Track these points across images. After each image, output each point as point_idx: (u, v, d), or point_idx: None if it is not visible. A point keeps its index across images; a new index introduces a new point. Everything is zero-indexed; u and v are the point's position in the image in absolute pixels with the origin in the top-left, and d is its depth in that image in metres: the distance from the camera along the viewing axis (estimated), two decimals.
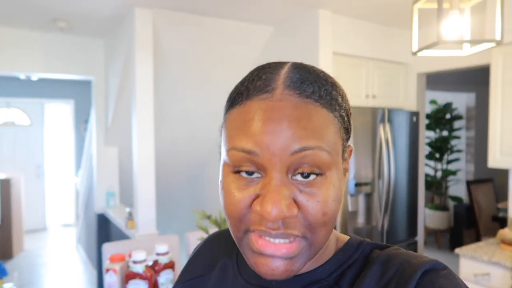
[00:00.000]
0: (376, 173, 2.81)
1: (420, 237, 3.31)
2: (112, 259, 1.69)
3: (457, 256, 2.36)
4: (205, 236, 1.96)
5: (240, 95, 0.44)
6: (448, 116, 5.34)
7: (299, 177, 0.41)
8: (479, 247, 2.36)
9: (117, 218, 3.28)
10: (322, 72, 0.46)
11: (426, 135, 5.07)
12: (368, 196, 2.84)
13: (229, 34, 3.02)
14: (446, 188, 5.34)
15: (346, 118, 0.45)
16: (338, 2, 2.58)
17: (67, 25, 3.03)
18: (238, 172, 0.42)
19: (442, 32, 1.54)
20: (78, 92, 6.23)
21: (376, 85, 3.13)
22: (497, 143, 2.46)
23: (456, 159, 5.32)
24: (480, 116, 5.28)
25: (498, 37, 1.54)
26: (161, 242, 2.04)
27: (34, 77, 4.88)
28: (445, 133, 5.34)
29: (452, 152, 5.31)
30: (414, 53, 1.70)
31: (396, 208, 2.95)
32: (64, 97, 6.25)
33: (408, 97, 3.37)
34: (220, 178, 0.46)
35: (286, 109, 0.40)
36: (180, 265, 2.07)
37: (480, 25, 2.50)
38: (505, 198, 4.21)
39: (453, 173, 5.25)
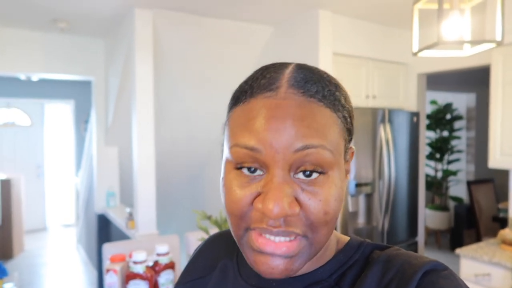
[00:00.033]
0: (376, 173, 2.81)
1: (421, 237, 3.31)
2: (113, 260, 1.69)
3: (458, 256, 2.35)
4: (205, 236, 1.96)
5: (244, 93, 0.44)
6: (448, 116, 5.34)
7: (301, 176, 0.41)
8: (479, 247, 2.36)
9: (117, 218, 3.28)
10: (326, 73, 0.46)
11: (427, 136, 5.06)
12: (369, 197, 2.84)
13: (229, 34, 3.02)
14: (447, 188, 5.34)
15: (349, 120, 0.45)
16: (338, 2, 2.58)
17: (67, 25, 3.03)
18: (240, 168, 0.43)
19: (443, 32, 1.54)
20: (78, 93, 6.24)
21: (376, 85, 3.13)
22: (498, 144, 2.46)
23: (457, 160, 5.32)
24: (480, 116, 5.28)
25: (498, 38, 1.54)
26: (162, 242, 2.04)
27: (35, 77, 4.88)
28: (445, 133, 5.34)
29: (452, 152, 5.31)
30: (415, 54, 1.70)
31: (396, 208, 2.95)
32: (64, 98, 6.26)
33: (408, 97, 3.37)
34: (222, 175, 0.45)
35: (290, 108, 0.41)
36: (181, 265, 2.07)
37: (480, 26, 2.50)
38: (505, 198, 4.20)
39: (454, 173, 5.25)
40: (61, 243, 5.84)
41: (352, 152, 0.49)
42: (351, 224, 2.77)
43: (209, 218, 1.88)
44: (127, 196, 3.89)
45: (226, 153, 0.45)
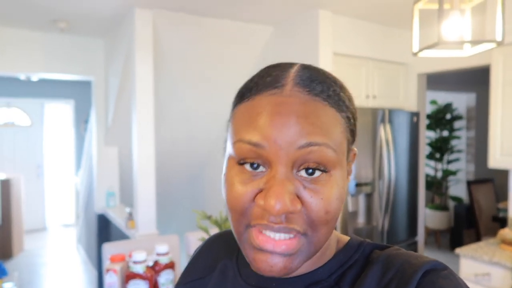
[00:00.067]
0: (376, 173, 2.81)
1: (421, 237, 3.31)
2: (113, 259, 1.69)
3: (458, 256, 2.35)
4: (205, 236, 1.96)
5: (249, 90, 0.45)
6: (448, 116, 5.34)
7: (303, 173, 0.41)
8: (479, 247, 2.36)
9: (117, 218, 3.28)
10: (331, 74, 0.46)
11: (427, 135, 5.06)
12: (369, 196, 2.84)
13: (229, 34, 3.02)
14: (447, 188, 5.35)
15: (352, 121, 0.46)
16: (338, 2, 2.58)
17: (67, 25, 3.03)
18: (242, 164, 0.43)
19: (443, 32, 1.54)
20: (78, 92, 6.24)
21: (377, 85, 3.13)
22: (498, 144, 2.46)
23: (456, 159, 5.32)
24: (480, 116, 5.28)
25: (498, 38, 1.54)
26: (161, 242, 2.04)
27: (34, 77, 4.88)
28: (445, 133, 5.34)
29: (452, 152, 5.31)
30: (415, 54, 1.70)
31: (396, 208, 2.95)
32: (64, 97, 6.26)
33: (408, 97, 3.37)
34: (224, 171, 0.45)
35: (295, 105, 0.41)
36: (180, 265, 2.07)
37: (480, 26, 2.50)
38: (505, 198, 4.20)
39: (453, 173, 5.25)
40: (61, 243, 5.84)
41: (354, 154, 0.49)
42: (351, 224, 2.77)
43: (209, 218, 1.88)
44: (127, 196, 3.89)
45: (229, 149, 0.45)
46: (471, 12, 1.66)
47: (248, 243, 0.43)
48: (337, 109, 0.43)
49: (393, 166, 2.87)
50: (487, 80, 2.73)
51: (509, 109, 2.40)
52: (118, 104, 3.32)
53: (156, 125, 3.03)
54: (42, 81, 5.83)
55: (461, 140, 5.40)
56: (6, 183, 5.00)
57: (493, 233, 3.97)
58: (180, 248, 2.25)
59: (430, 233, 5.34)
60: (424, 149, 3.41)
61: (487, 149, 2.58)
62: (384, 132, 2.83)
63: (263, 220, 0.41)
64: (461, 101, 5.41)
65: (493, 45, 1.59)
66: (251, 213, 0.42)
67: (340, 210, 0.44)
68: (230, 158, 0.44)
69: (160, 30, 2.80)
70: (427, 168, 5.11)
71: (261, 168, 0.42)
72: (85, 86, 5.70)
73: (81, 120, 6.38)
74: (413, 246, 3.13)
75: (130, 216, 2.95)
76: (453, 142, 5.40)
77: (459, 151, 5.34)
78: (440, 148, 5.29)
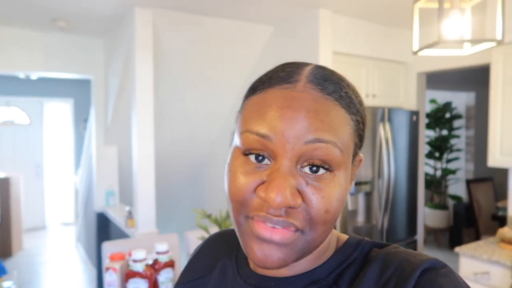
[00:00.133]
0: (376, 172, 2.82)
1: (420, 236, 3.31)
2: (112, 258, 1.69)
3: (457, 255, 2.36)
4: (205, 235, 1.96)
5: (262, 84, 0.45)
6: (448, 115, 5.34)
7: (307, 170, 0.41)
8: (478, 246, 2.36)
9: (117, 217, 3.28)
10: (345, 77, 0.47)
11: (426, 134, 5.07)
12: (368, 195, 2.85)
13: (229, 34, 3.02)
14: (446, 187, 5.35)
15: (361, 125, 0.46)
16: (338, 2, 2.58)
17: (67, 24, 3.03)
18: (247, 155, 0.43)
19: (443, 31, 1.54)
20: (78, 91, 6.23)
21: (376, 84, 3.13)
22: (497, 143, 2.46)
23: (456, 158, 5.32)
24: (479, 115, 5.28)
25: (498, 37, 1.55)
26: (161, 241, 2.04)
27: (34, 76, 4.88)
28: (444, 132, 5.35)
29: (451, 151, 5.32)
30: (415, 53, 1.70)
31: (395, 207, 2.95)
32: (63, 96, 6.25)
33: (408, 96, 3.37)
34: (228, 161, 0.45)
35: (306, 100, 0.41)
36: (180, 264, 2.07)
37: (480, 25, 2.50)
38: (504, 197, 4.21)
39: (453, 172, 5.26)
40: (60, 241, 5.84)
41: (360, 160, 0.49)
42: (350, 222, 2.77)
43: (209, 216, 1.88)
44: (126, 195, 3.89)
45: (235, 140, 0.45)
46: (471, 11, 1.66)
47: (246, 233, 0.43)
48: (347, 111, 0.43)
49: (392, 165, 2.87)
50: (487, 79, 2.73)
51: (508, 108, 2.40)
52: (118, 104, 3.32)
53: (156, 125, 3.03)
54: (42, 80, 5.82)
55: (461, 139, 5.41)
56: (5, 182, 5.00)
57: (492, 231, 3.98)
58: (180, 246, 2.25)
59: (429, 232, 5.34)
60: (423, 148, 3.42)
61: (487, 148, 2.58)
62: (383, 131, 2.83)
63: (262, 211, 0.41)
64: (461, 100, 5.41)
65: (493, 44, 1.59)
66: (251, 204, 0.42)
67: (340, 212, 0.43)
68: (235, 148, 0.45)
69: (160, 30, 2.80)
70: (426, 167, 5.12)
71: (266, 161, 0.42)
72: (84, 85, 5.70)
73: (81, 119, 6.37)
74: (413, 245, 3.14)
75: (130, 215, 2.95)
76: (453, 141, 5.40)
77: (458, 150, 5.34)
78: (439, 147, 5.30)
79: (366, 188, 2.79)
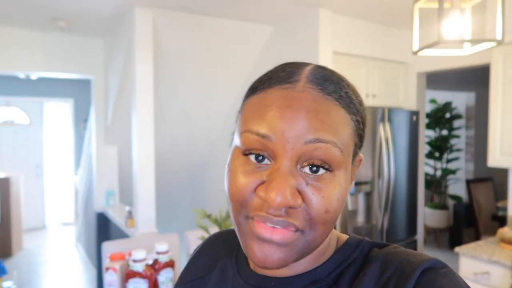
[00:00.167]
0: (376, 172, 2.82)
1: (420, 236, 3.31)
2: (112, 258, 1.69)
3: (457, 255, 2.36)
4: (205, 235, 1.96)
5: (262, 84, 0.45)
6: (448, 115, 5.34)
7: (307, 170, 0.41)
8: (478, 246, 2.36)
9: (117, 217, 3.28)
10: (345, 77, 0.47)
11: (426, 134, 5.07)
12: (368, 195, 2.85)
13: (229, 34, 3.02)
14: (446, 187, 5.35)
15: (361, 125, 0.46)
16: (338, 2, 2.58)
17: (67, 24, 3.03)
18: (247, 155, 0.43)
19: (443, 31, 1.54)
20: (78, 91, 6.23)
21: (376, 84, 3.13)
22: (497, 143, 2.46)
23: (456, 158, 5.32)
24: (479, 115, 5.28)
25: (498, 37, 1.55)
26: (161, 241, 2.04)
27: (34, 76, 4.88)
28: (444, 132, 5.35)
29: (451, 151, 5.32)
30: (415, 53, 1.70)
31: (395, 207, 2.95)
32: (63, 96, 6.25)
33: (408, 96, 3.37)
34: (228, 161, 0.45)
35: (306, 100, 0.41)
36: (180, 263, 2.07)
37: (480, 25, 2.50)
38: (504, 197, 4.21)
39: (453, 172, 5.26)
40: (60, 241, 5.84)
41: (360, 160, 0.49)
42: (350, 222, 2.77)
43: (209, 216, 1.88)
44: (126, 195, 3.89)
45: (235, 140, 0.45)
46: (471, 11, 1.66)
47: (246, 233, 0.43)
48: (347, 111, 0.43)
49: (392, 165, 2.87)
50: (487, 79, 2.73)
51: (508, 108, 2.40)
52: (118, 103, 3.32)
53: (156, 125, 3.03)
54: (42, 80, 5.82)
55: (461, 139, 5.41)
56: (5, 182, 5.00)
57: (492, 231, 3.98)
58: (180, 246, 2.25)
59: (429, 232, 5.34)
60: (423, 148, 3.42)
61: (487, 148, 2.58)
62: (383, 131, 2.83)
63: (262, 211, 0.41)
64: (461, 100, 5.41)
65: (493, 44, 1.59)
66: (251, 204, 0.42)
67: (340, 212, 0.43)
68: (235, 148, 0.45)
69: (160, 29, 2.80)
70: (426, 167, 5.12)
71: (266, 161, 0.42)
72: (84, 85, 5.70)
73: (81, 119, 6.38)
74: (413, 245, 3.14)
75: (130, 215, 2.95)
76: (453, 141, 5.40)
77: (458, 150, 5.34)
78: (439, 147, 5.30)
79: (366, 188, 2.79)
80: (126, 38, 2.86)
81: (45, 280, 4.39)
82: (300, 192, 0.41)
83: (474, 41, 1.58)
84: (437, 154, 5.35)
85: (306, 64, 0.46)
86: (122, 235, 3.11)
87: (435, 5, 1.57)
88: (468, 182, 4.46)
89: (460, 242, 4.54)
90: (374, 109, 2.80)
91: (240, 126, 0.44)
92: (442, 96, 5.39)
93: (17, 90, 5.84)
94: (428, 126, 5.28)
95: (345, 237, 0.52)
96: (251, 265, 0.52)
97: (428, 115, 5.27)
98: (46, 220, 6.64)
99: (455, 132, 5.33)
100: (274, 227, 0.41)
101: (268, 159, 0.42)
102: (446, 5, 1.56)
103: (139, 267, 1.62)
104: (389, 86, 3.24)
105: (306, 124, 0.40)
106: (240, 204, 0.42)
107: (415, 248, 3.14)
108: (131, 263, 1.64)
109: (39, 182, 6.48)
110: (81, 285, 4.23)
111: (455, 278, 0.42)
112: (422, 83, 3.38)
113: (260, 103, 0.43)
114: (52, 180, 6.70)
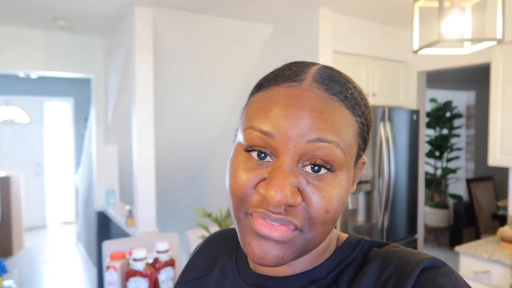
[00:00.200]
0: (376, 171, 2.82)
1: (420, 235, 3.31)
2: (113, 257, 1.69)
3: (457, 254, 2.36)
4: (205, 234, 1.96)
5: (268, 81, 0.45)
6: (448, 114, 5.34)
7: (309, 169, 0.41)
8: (479, 245, 2.36)
9: (117, 216, 3.28)
10: (351, 79, 0.47)
11: (426, 133, 5.07)
12: (368, 194, 2.85)
13: (229, 33, 3.01)
14: (446, 186, 5.35)
15: (366, 128, 0.46)
16: (338, 1, 2.58)
17: (67, 23, 3.03)
18: (250, 152, 0.43)
19: (443, 30, 1.54)
20: (78, 90, 6.23)
21: (376, 83, 3.13)
22: (497, 142, 2.46)
23: (456, 157, 5.32)
24: (480, 114, 5.28)
25: (499, 36, 1.54)
26: (161, 239, 2.04)
27: (34, 75, 4.88)
28: (445, 131, 5.35)
29: (452, 150, 5.32)
30: (415, 52, 1.70)
31: (396, 206, 2.95)
32: (63, 95, 6.25)
33: (408, 95, 3.37)
34: (231, 157, 0.46)
35: (311, 100, 0.41)
36: (180, 262, 2.07)
37: (481, 24, 2.50)
38: (505, 196, 4.21)
39: (453, 171, 5.26)
40: (60, 240, 5.85)
41: (364, 162, 0.49)
42: (350, 221, 2.77)
43: (209, 215, 1.88)
44: (126, 194, 3.89)
45: (239, 136, 0.45)
46: (471, 10, 1.66)
47: (245, 229, 0.43)
48: (352, 112, 0.43)
49: (392, 164, 2.87)
50: (487, 78, 2.73)
51: (509, 107, 2.40)
52: (118, 102, 3.32)
53: (156, 124, 3.03)
54: (42, 79, 5.82)
55: (461, 138, 5.41)
56: (5, 181, 5.01)
57: (492, 231, 3.98)
58: (180, 245, 2.25)
59: (429, 231, 5.34)
60: (423, 147, 3.41)
61: (487, 147, 2.58)
62: (384, 130, 2.83)
63: (261, 208, 0.41)
64: (461, 99, 5.41)
65: (493, 43, 1.59)
66: (250, 200, 0.42)
67: (340, 213, 0.43)
68: (238, 144, 0.45)
69: (160, 29, 2.80)
70: (426, 166, 5.12)
71: (268, 158, 0.42)
72: (84, 84, 5.70)
73: (81, 118, 6.38)
74: (413, 244, 3.14)
75: (130, 214, 2.96)
76: (453, 140, 5.40)
77: (458, 149, 5.34)
78: (439, 146, 5.30)
79: (367, 187, 2.79)
80: (126, 37, 2.86)
81: (45, 279, 4.39)
82: (300, 191, 0.40)
83: (474, 40, 1.58)
84: (437, 153, 5.35)
85: (313, 64, 0.46)
86: (123, 234, 3.11)
87: (435, 4, 1.57)
88: (468, 181, 4.46)
89: (460, 241, 4.55)
90: (374, 108, 2.80)
91: (243, 122, 0.44)
92: (442, 95, 5.38)
93: (17, 89, 5.84)
94: (429, 125, 5.28)
95: (345, 236, 0.52)
96: (251, 265, 0.52)
97: (428, 114, 5.27)
98: (47, 219, 6.65)
99: (455, 131, 5.33)
100: (273, 224, 0.41)
101: (270, 156, 0.42)
102: (446, 4, 1.56)
103: (139, 266, 1.63)
104: (389, 85, 3.24)
105: (309, 123, 0.40)
106: (240, 200, 0.42)
107: (415, 247, 3.15)
108: (131, 262, 1.64)
109: (39, 181, 6.49)
110: (81, 284, 4.24)
111: (455, 277, 0.42)
112: (423, 82, 3.38)
113: (265, 100, 0.43)
114: (52, 179, 6.70)
